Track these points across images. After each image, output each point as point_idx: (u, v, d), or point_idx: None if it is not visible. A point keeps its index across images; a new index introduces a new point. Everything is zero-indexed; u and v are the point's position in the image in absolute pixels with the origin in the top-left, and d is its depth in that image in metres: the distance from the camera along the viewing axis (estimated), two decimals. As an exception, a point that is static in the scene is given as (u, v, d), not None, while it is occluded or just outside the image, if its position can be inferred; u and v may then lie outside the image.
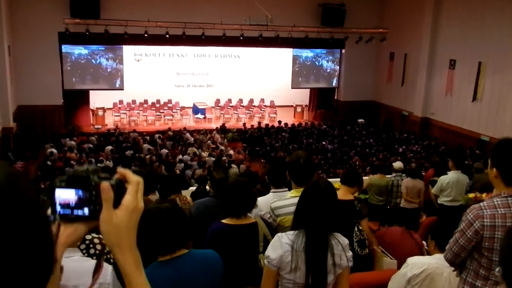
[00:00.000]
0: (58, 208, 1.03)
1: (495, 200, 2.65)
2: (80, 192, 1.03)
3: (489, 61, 16.27)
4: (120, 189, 1.07)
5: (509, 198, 2.63)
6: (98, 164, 13.65)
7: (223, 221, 3.42)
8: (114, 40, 18.98)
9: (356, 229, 4.54)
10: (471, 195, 6.22)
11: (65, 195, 1.03)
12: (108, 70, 20.50)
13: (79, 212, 1.04)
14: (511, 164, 2.63)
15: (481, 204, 2.67)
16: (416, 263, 3.13)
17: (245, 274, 3.37)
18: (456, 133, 17.78)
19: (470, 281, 2.70)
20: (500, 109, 15.76)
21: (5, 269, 0.69)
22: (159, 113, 21.60)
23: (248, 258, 3.41)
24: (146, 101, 22.39)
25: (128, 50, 21.27)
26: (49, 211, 1.04)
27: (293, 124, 21.18)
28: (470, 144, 16.56)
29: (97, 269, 1.38)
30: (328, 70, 23.41)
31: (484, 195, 4.53)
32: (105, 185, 1.03)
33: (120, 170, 1.11)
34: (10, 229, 0.71)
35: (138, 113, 21.35)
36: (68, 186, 1.03)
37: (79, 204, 1.03)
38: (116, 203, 1.06)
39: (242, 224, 3.37)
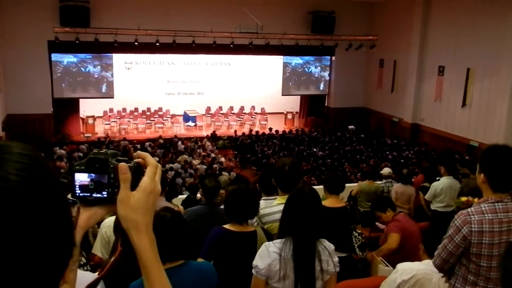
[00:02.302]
0: (78, 191, 1.05)
1: (482, 206, 2.67)
2: (99, 175, 1.05)
3: (477, 68, 16.42)
4: (138, 171, 1.08)
5: (496, 204, 2.65)
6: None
7: (225, 226, 3.39)
8: (104, 49, 18.94)
9: (356, 233, 4.57)
10: (464, 198, 6.24)
11: (84, 178, 1.05)
12: (98, 78, 20.41)
13: (98, 195, 1.05)
14: (498, 170, 2.66)
15: (469, 210, 2.70)
16: (405, 269, 3.15)
17: (243, 282, 3.35)
18: (446, 138, 17.89)
19: (458, 287, 2.71)
20: (489, 115, 15.90)
21: (25, 250, 0.68)
22: (150, 121, 21.53)
23: (246, 267, 3.40)
24: (136, 109, 22.32)
25: (118, 58, 21.23)
26: (69, 196, 1.05)
27: (284, 131, 21.21)
28: (460, 149, 16.67)
29: (94, 286, 1.35)
30: (318, 77, 23.50)
31: (476, 199, 4.56)
32: (123, 165, 1.05)
33: (140, 152, 1.14)
34: (36, 207, 0.70)
35: (128, 121, 21.28)
36: (87, 169, 1.05)
37: (98, 186, 1.05)
38: (134, 186, 1.06)
39: (243, 232, 3.35)
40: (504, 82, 15.06)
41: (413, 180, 8.99)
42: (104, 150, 1.10)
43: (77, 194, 1.05)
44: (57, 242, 0.74)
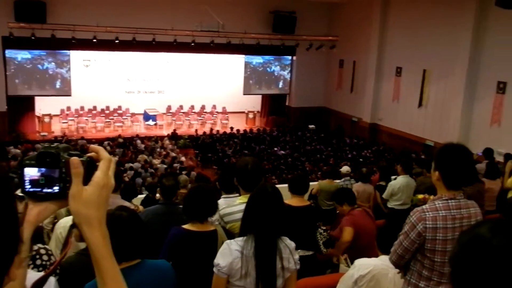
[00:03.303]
0: (28, 186, 1.02)
1: (436, 203, 2.74)
2: (50, 170, 1.03)
3: (433, 69, 16.90)
4: (90, 166, 1.06)
5: (449, 201, 2.73)
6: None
7: (184, 226, 3.33)
8: (61, 45, 18.48)
9: (321, 230, 4.63)
10: (420, 196, 6.41)
11: (34, 173, 1.02)
12: (55, 75, 19.87)
13: (49, 190, 1.03)
14: (452, 168, 2.74)
15: (423, 207, 2.77)
16: (362, 264, 3.21)
17: (204, 282, 3.32)
18: (403, 138, 18.32)
19: (413, 282, 2.78)
20: (443, 115, 16.38)
21: None
22: (109, 120, 21.14)
23: (207, 266, 3.37)
24: (95, 108, 21.86)
25: (76, 56, 20.71)
26: (18, 191, 1.02)
27: (245, 130, 21.24)
28: (416, 148, 17.11)
29: (42, 282, 1.32)
30: (279, 77, 23.63)
31: (431, 196, 4.70)
32: (75, 159, 1.03)
33: (93, 146, 1.12)
34: None
35: (86, 119, 20.82)
36: (37, 164, 1.03)
37: (49, 181, 1.03)
38: (87, 180, 1.04)
39: (203, 231, 3.30)
40: (458, 83, 15.56)
41: (371, 178, 9.16)
42: (55, 144, 1.07)
43: (27, 189, 1.03)
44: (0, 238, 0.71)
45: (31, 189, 1.03)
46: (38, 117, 19.93)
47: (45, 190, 1.03)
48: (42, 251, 2.62)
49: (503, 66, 14.22)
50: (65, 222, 3.84)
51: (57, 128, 20.10)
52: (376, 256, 3.42)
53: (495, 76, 14.52)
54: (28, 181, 1.03)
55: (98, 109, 21.88)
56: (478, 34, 14.97)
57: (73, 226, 2.47)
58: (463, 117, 15.49)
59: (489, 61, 14.78)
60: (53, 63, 19.74)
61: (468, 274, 0.99)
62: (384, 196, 8.02)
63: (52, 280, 1.79)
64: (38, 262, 2.58)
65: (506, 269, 0.94)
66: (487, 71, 14.84)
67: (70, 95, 20.36)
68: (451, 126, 15.81)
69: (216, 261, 2.72)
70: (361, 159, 17.34)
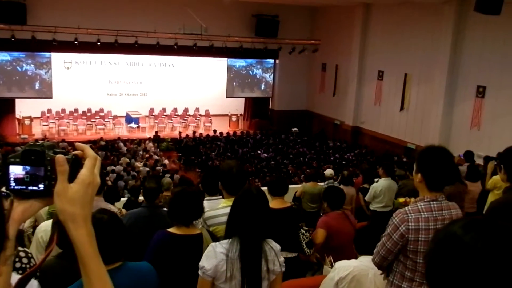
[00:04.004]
0: (12, 184, 1.02)
1: (419, 205, 2.78)
2: (35, 168, 1.03)
3: (414, 73, 17.10)
4: (76, 164, 1.06)
5: (431, 203, 2.77)
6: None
7: (169, 230, 3.30)
8: (42, 47, 18.26)
9: (303, 231, 4.63)
10: (401, 199, 6.46)
11: (19, 171, 1.02)
12: (34, 77, 19.62)
13: (34, 188, 1.03)
14: (434, 170, 2.77)
15: (406, 208, 2.80)
16: (342, 266, 3.24)
17: (188, 286, 3.30)
18: (385, 141, 18.48)
19: (396, 283, 2.81)
20: (424, 118, 16.57)
21: None
22: (91, 122, 20.94)
23: (192, 270, 3.35)
24: (76, 110, 21.64)
25: (57, 58, 20.49)
26: (3, 188, 1.02)
27: (228, 133, 21.22)
28: (398, 151, 17.27)
29: (26, 280, 1.30)
30: (261, 79, 23.67)
31: (412, 199, 4.75)
32: (61, 157, 1.02)
33: (78, 144, 1.12)
34: None
35: (68, 122, 20.58)
36: (22, 161, 1.02)
37: (34, 179, 1.03)
38: (72, 178, 1.04)
39: (188, 235, 3.27)
40: (438, 87, 15.76)
41: (354, 181, 9.22)
42: (40, 142, 1.07)
43: (12, 187, 1.03)
44: None
45: (16, 187, 1.03)
46: (18, 119, 19.65)
47: (30, 188, 1.03)
48: (22, 254, 2.58)
49: (482, 71, 14.45)
50: (46, 226, 3.82)
51: (37, 130, 19.85)
52: (355, 257, 3.45)
53: (475, 80, 14.74)
54: (12, 179, 1.02)
55: (80, 111, 21.67)
56: (458, 39, 15.19)
57: (58, 223, 2.45)
58: (443, 120, 15.68)
59: (468, 65, 15.00)
60: (33, 65, 19.50)
61: (441, 270, 1.01)
62: (366, 198, 8.08)
63: (34, 284, 1.76)
64: (18, 265, 2.55)
65: (477, 266, 0.95)
66: (466, 75, 15.06)
67: (51, 98, 20.13)
68: (432, 129, 15.99)
69: (201, 263, 2.71)
70: (343, 162, 17.45)
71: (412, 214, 2.73)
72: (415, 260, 2.71)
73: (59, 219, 1.06)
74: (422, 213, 2.72)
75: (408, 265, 2.75)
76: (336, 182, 8.91)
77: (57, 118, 20.80)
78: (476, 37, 14.65)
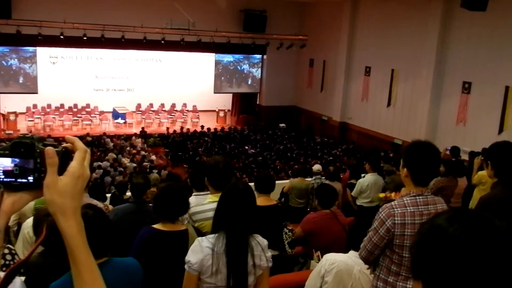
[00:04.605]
0: (1, 176, 1.02)
1: (405, 199, 2.80)
2: (24, 160, 1.03)
3: (401, 69, 17.20)
4: (66, 156, 1.06)
5: (417, 197, 2.79)
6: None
7: (155, 226, 3.28)
8: (27, 42, 18.06)
9: (286, 230, 4.63)
10: (382, 194, 6.50)
11: (8, 163, 1.03)
12: (18, 71, 19.39)
13: (23, 180, 1.03)
14: (420, 164, 2.80)
15: (392, 203, 2.82)
16: (329, 260, 3.26)
17: (175, 282, 3.29)
18: (372, 137, 18.58)
19: (382, 277, 2.83)
20: (411, 114, 16.68)
21: None
22: (77, 118, 20.76)
23: (178, 266, 3.34)
24: (62, 105, 21.44)
25: (43, 52, 20.26)
26: None
27: (215, 129, 21.18)
28: (385, 147, 17.37)
29: (15, 272, 1.29)
30: (248, 74, 23.64)
31: (393, 194, 4.78)
32: (50, 149, 1.02)
33: (68, 136, 1.11)
34: None
35: (53, 117, 20.39)
36: (11, 154, 1.02)
37: (23, 171, 1.03)
38: (62, 170, 1.04)
39: (174, 231, 3.25)
40: (424, 83, 15.87)
41: (341, 176, 9.26)
42: (30, 134, 1.07)
43: (1, 180, 1.03)
44: None
45: (5, 179, 1.03)
46: (3, 115, 19.45)
47: (19, 180, 1.03)
48: (6, 251, 2.56)
49: (468, 67, 14.57)
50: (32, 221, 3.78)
51: (23, 126, 19.63)
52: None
53: (461, 76, 14.87)
54: (2, 171, 1.03)
55: (66, 107, 21.48)
56: (444, 35, 15.30)
57: (48, 215, 2.43)
58: (429, 116, 15.80)
59: (454, 61, 15.11)
60: (18, 60, 19.28)
61: (426, 262, 1.02)
62: (353, 194, 8.13)
63: (17, 281, 1.75)
64: (1, 262, 2.53)
65: (462, 257, 0.96)
66: (452, 71, 15.18)
67: (36, 93, 19.93)
68: (418, 125, 16.11)
69: (187, 258, 2.71)
70: (331, 158, 17.51)
71: (398, 209, 2.75)
72: (401, 254, 2.73)
73: (49, 211, 1.06)
74: (408, 208, 2.74)
75: (394, 259, 2.77)
76: (323, 177, 8.94)
77: (43, 113, 20.61)
78: (462, 34, 14.77)
